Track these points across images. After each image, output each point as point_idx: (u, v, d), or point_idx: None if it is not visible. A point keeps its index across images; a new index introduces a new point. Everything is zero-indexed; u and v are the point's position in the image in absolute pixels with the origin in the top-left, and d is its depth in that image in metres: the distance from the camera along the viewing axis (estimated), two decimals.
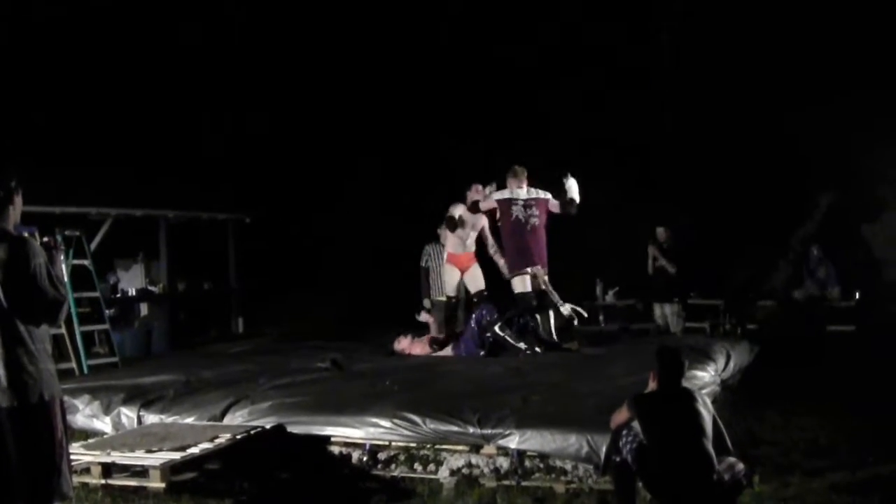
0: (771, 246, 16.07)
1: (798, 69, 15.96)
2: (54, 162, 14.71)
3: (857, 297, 14.55)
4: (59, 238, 4.99)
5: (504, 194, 10.72)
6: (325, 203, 17.75)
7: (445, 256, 11.36)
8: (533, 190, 10.77)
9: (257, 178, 17.71)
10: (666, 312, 13.73)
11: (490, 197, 10.83)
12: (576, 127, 16.72)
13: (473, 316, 10.57)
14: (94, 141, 16.25)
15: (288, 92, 18.27)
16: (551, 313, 10.60)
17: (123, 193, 14.82)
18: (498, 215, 10.83)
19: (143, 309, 15.59)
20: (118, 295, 15.13)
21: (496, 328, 10.23)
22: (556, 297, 10.56)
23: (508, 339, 10.22)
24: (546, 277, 10.66)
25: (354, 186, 17.92)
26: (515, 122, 17.31)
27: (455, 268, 11.29)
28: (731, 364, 9.49)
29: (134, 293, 15.40)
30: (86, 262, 11.47)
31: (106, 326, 12.09)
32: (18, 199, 4.75)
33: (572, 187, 10.82)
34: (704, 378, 8.19)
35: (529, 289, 10.59)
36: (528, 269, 10.56)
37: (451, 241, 11.27)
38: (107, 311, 12.48)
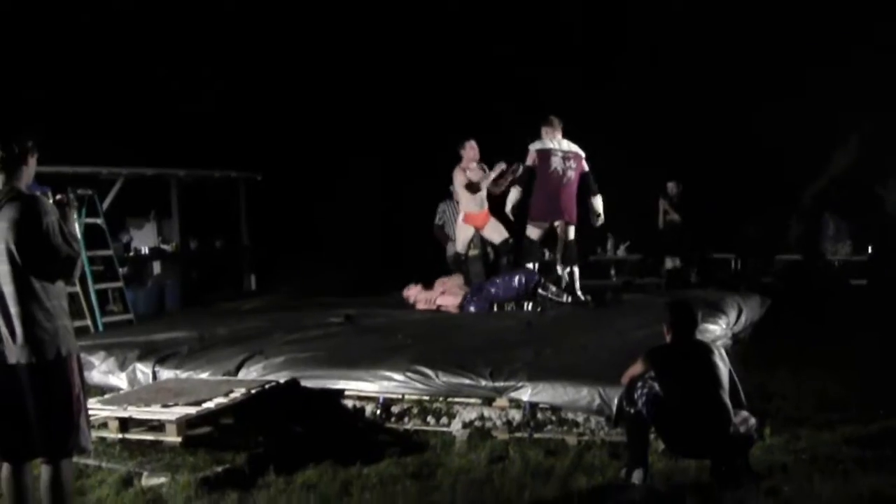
0: (784, 201, 16.00)
1: (819, 24, 15.84)
2: (66, 124, 14.70)
3: (870, 251, 14.52)
4: (71, 196, 5.01)
5: (545, 144, 10.63)
6: (338, 162, 17.72)
7: (461, 216, 11.31)
8: (567, 142, 10.70)
9: (270, 137, 17.69)
10: (677, 266, 13.74)
11: (530, 150, 10.67)
12: (579, 100, 16.68)
13: (505, 281, 10.52)
14: (106, 102, 16.20)
15: (303, 50, 18.18)
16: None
17: (135, 153, 14.84)
18: (532, 163, 10.67)
19: (156, 267, 15.63)
20: (131, 253, 15.17)
21: (540, 290, 10.27)
22: (552, 290, 10.50)
23: (552, 296, 10.27)
24: (572, 230, 10.64)
25: (368, 147, 17.85)
26: (512, 91, 17.28)
27: (470, 227, 11.28)
28: (743, 318, 9.52)
29: (146, 252, 15.44)
30: (98, 221, 11.54)
31: (120, 284, 12.17)
32: (32, 161, 4.77)
33: (598, 203, 10.88)
34: (716, 332, 8.22)
35: (538, 239, 10.64)
36: (548, 222, 10.60)
37: (465, 200, 11.22)
38: (120, 270, 12.54)
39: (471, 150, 11.11)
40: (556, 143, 10.62)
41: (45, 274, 4.63)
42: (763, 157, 15.77)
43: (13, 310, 4.57)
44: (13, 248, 4.53)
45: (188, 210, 16.16)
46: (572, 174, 10.59)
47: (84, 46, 16.09)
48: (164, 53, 17.03)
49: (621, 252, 15.49)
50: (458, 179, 11.13)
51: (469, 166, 11.14)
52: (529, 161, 10.69)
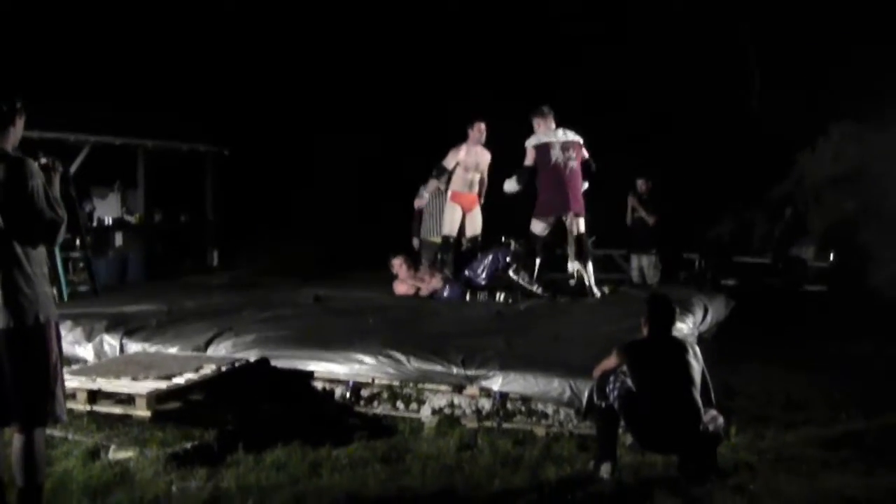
0: (749, 203, 16.17)
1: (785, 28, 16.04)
2: (35, 89, 14.51)
3: (832, 258, 14.70)
4: (57, 160, 4.95)
5: (540, 139, 10.44)
6: (309, 139, 17.68)
7: (449, 195, 11.22)
8: (563, 131, 10.53)
9: (239, 112, 17.60)
10: (643, 264, 13.80)
11: (528, 148, 10.53)
12: (551, 80, 16.71)
13: (479, 261, 10.55)
14: (76, 70, 16.03)
15: (277, 25, 18.10)
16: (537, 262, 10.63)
17: (102, 122, 14.66)
18: (532, 161, 10.52)
19: (119, 238, 15.45)
20: (94, 223, 14.99)
21: (510, 272, 10.26)
22: (526, 278, 10.49)
23: (523, 282, 10.26)
24: (582, 222, 10.50)
25: (340, 124, 17.82)
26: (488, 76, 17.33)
27: (458, 207, 11.21)
28: (709, 317, 9.61)
29: (110, 222, 15.27)
30: (69, 189, 11.37)
31: (87, 253, 12.02)
32: (20, 122, 4.71)
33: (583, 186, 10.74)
34: (683, 330, 8.26)
35: (542, 235, 10.58)
36: (554, 216, 10.48)
37: (457, 179, 11.13)
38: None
39: (478, 131, 11.00)
40: (553, 134, 10.45)
41: (27, 238, 4.58)
42: (732, 157, 15.95)
43: None
44: None
45: (154, 182, 16.00)
46: (574, 164, 10.39)
47: (60, 11, 15.94)
48: (141, 23, 16.89)
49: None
50: (449, 157, 11.08)
51: (471, 149, 11.06)
52: (529, 160, 10.53)
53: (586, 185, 10.63)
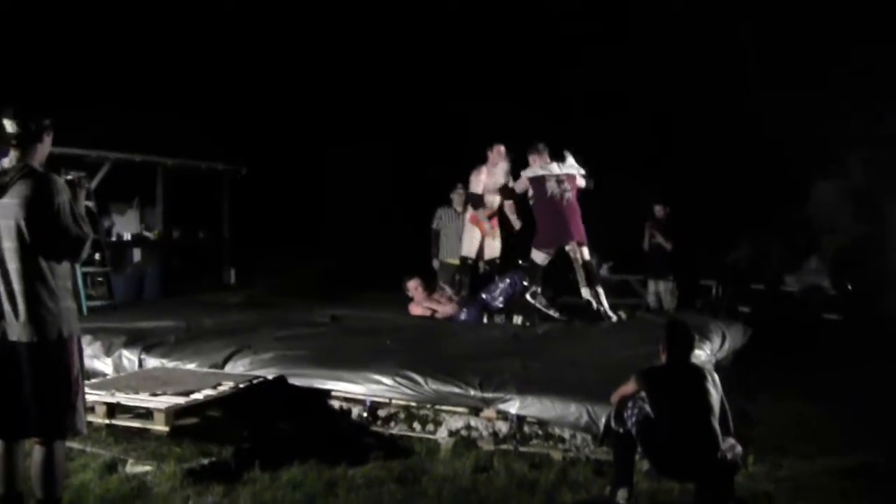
0: (766, 230, 16.12)
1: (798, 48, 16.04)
2: (56, 104, 14.60)
3: (849, 287, 14.65)
4: (83, 177, 5.00)
5: (536, 171, 10.56)
6: (326, 158, 17.76)
7: (468, 217, 11.30)
8: (557, 165, 10.63)
9: (255, 130, 17.70)
10: (660, 290, 13.78)
11: (521, 177, 10.70)
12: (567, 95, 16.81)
13: (496, 285, 10.49)
14: (95, 85, 16.15)
15: (294, 43, 18.21)
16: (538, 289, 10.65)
17: (120, 138, 14.75)
18: (530, 193, 10.66)
19: (136, 254, 15.55)
20: (113, 239, 15.08)
21: (528, 296, 10.27)
22: (543, 301, 10.49)
23: (540, 306, 10.26)
24: (586, 250, 10.52)
25: (357, 146, 17.89)
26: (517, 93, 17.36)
27: (477, 229, 11.27)
28: (727, 344, 9.56)
29: (128, 238, 15.36)
30: (90, 204, 11.46)
31: (107, 269, 12.10)
32: (48, 139, 4.77)
33: (574, 163, 10.80)
34: (700, 357, 8.23)
35: (543, 265, 10.56)
36: (555, 247, 10.50)
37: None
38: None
39: (497, 154, 11.10)
40: (547, 168, 10.57)
41: (52, 253, 4.62)
42: (748, 180, 15.92)
43: (17, 287, 4.56)
44: (23, 225, 4.52)
45: (172, 199, 16.08)
46: (570, 195, 10.47)
47: (82, 30, 16.06)
48: (162, 43, 17.01)
49: (604, 271, 15.53)
50: (473, 181, 11.14)
51: (491, 171, 11.13)
52: (520, 188, 10.79)
53: (582, 183, 10.72)
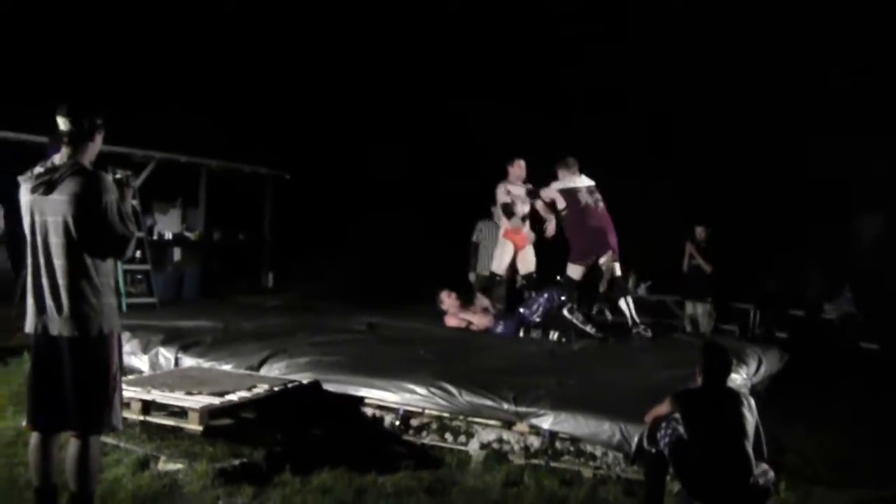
0: (805, 255, 15.99)
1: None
2: (104, 101, 14.76)
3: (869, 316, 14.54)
4: (131, 176, 5.05)
5: (566, 184, 10.56)
6: (370, 167, 17.84)
7: (502, 231, 11.33)
8: (586, 178, 10.66)
9: (300, 136, 17.81)
10: (697, 312, 13.70)
11: (550, 187, 10.67)
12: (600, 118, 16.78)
13: (534, 299, 10.46)
14: (144, 86, 16.33)
15: (336, 51, 18.33)
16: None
17: (166, 138, 14.91)
18: (562, 206, 10.60)
19: (177, 254, 15.71)
20: (154, 238, 15.25)
21: (565, 311, 10.25)
22: (580, 318, 10.46)
23: (577, 322, 10.23)
24: (618, 263, 10.55)
25: (398, 155, 17.96)
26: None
27: (510, 243, 11.27)
28: (762, 369, 9.49)
29: (170, 237, 15.52)
30: (133, 203, 11.59)
31: (147, 267, 12.22)
32: (99, 138, 4.83)
33: None
34: (736, 381, 8.17)
35: (580, 280, 10.55)
36: (593, 259, 10.48)
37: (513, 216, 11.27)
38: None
39: (518, 168, 11.16)
40: (578, 180, 10.58)
41: (98, 250, 4.67)
42: (791, 207, 15.80)
43: (62, 282, 4.61)
44: (70, 221, 4.57)
45: (214, 201, 16.23)
46: (602, 205, 10.51)
47: (127, 30, 16.25)
48: (212, 48, 17.18)
49: (642, 291, 15.49)
50: (499, 195, 11.17)
51: (514, 184, 11.17)
52: (547, 196, 10.77)
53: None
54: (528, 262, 11.37)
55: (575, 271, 10.56)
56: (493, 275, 11.38)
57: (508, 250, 11.27)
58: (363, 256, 16.75)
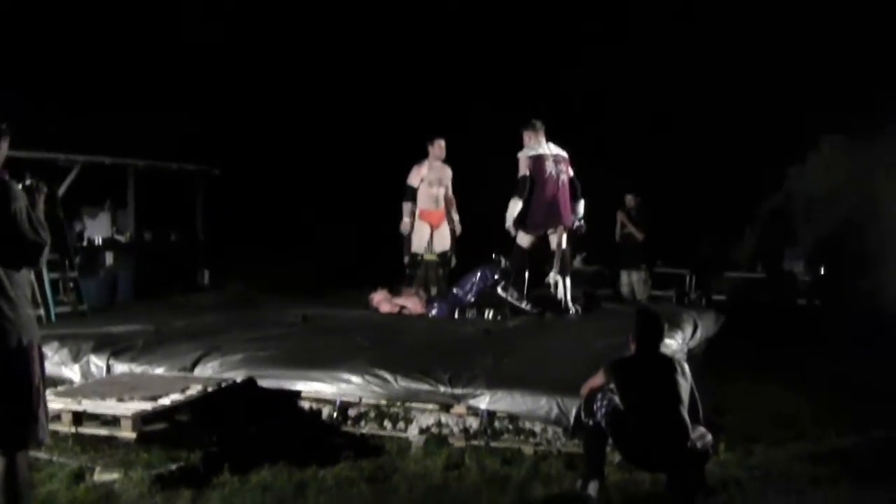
0: (737, 216, 16.17)
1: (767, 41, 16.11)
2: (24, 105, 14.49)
3: (822, 271, 14.73)
4: (41, 182, 4.92)
5: (536, 150, 10.38)
6: (293, 159, 17.71)
7: (417, 213, 11.31)
8: (553, 146, 10.54)
9: (227, 130, 17.61)
10: (632, 280, 13.81)
11: (522, 158, 10.42)
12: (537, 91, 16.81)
13: (467, 279, 10.46)
14: (62, 85, 16.02)
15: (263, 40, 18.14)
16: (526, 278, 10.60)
17: (90, 140, 14.63)
18: (527, 171, 10.37)
19: (109, 258, 15.43)
20: (84, 243, 14.97)
21: (499, 289, 10.22)
22: (514, 295, 10.42)
23: (511, 299, 10.22)
24: (565, 237, 10.52)
25: (323, 143, 17.84)
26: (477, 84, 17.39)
27: (427, 224, 11.25)
28: (698, 333, 9.60)
29: (100, 242, 15.24)
30: (55, 210, 11.35)
31: (75, 274, 11.99)
32: (4, 144, 4.68)
33: (581, 209, 10.77)
34: (672, 346, 8.27)
35: (529, 249, 10.53)
36: (545, 230, 10.47)
37: (422, 197, 11.25)
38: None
39: (438, 148, 11.18)
40: (545, 147, 10.44)
41: (9, 261, 4.53)
42: (719, 170, 15.94)
43: None
44: None
45: (144, 201, 15.97)
46: (565, 178, 10.45)
47: (48, 29, 15.93)
48: (130, 41, 16.90)
49: (577, 263, 15.52)
50: (413, 174, 11.19)
51: (432, 164, 11.16)
52: (524, 170, 10.39)
53: (581, 202, 10.60)
54: (444, 241, 11.40)
55: (524, 240, 10.51)
56: (414, 255, 11.38)
57: (425, 230, 11.28)
58: (300, 248, 16.63)
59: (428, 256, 11.88)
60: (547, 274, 10.71)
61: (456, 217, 11.47)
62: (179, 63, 17.48)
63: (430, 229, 11.32)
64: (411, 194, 11.15)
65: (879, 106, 13.82)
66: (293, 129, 17.97)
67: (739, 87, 16.06)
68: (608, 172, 14.92)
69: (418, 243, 11.36)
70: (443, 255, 11.41)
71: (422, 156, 11.38)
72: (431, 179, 11.14)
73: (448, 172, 11.36)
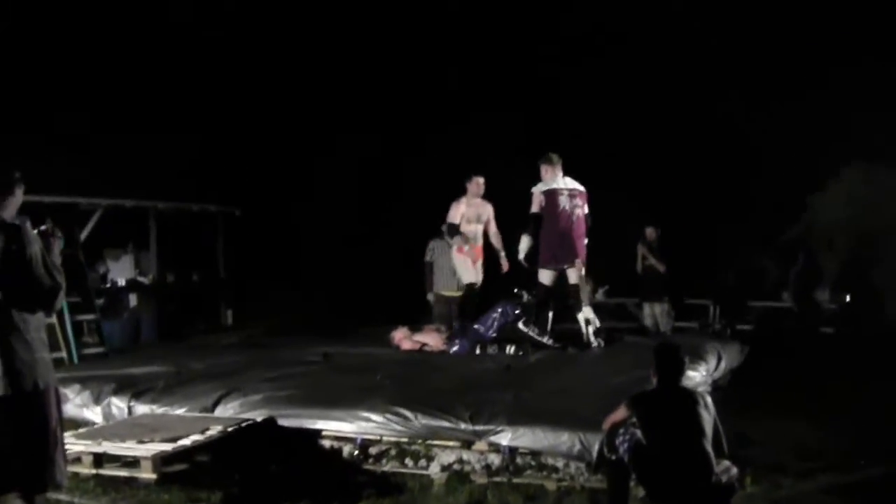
0: (761, 246, 16.09)
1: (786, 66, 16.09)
2: (43, 151, 14.61)
3: (847, 300, 14.61)
4: (56, 227, 4.96)
5: (549, 185, 10.34)
6: (308, 195, 17.79)
7: (455, 249, 11.25)
8: (570, 180, 10.49)
9: (248, 171, 17.69)
10: (655, 312, 13.74)
11: (535, 193, 10.41)
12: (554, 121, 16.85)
13: (488, 315, 10.38)
14: (82, 129, 16.14)
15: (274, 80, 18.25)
16: (550, 314, 10.55)
17: (113, 184, 14.74)
18: (539, 207, 10.37)
19: (132, 300, 15.53)
20: (107, 285, 15.07)
21: (520, 324, 10.17)
22: (536, 330, 10.33)
23: (533, 334, 10.16)
24: (583, 272, 10.44)
25: (343, 181, 17.91)
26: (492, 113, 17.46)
27: (467, 258, 11.22)
28: (723, 364, 9.50)
29: (123, 283, 15.35)
30: (75, 253, 11.41)
31: (96, 316, 12.05)
32: (19, 192, 4.75)
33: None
34: (696, 378, 8.20)
35: (551, 285, 10.47)
36: (562, 266, 10.38)
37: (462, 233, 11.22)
38: (96, 302, 12.44)
39: (476, 185, 11.11)
40: (561, 181, 10.39)
41: (26, 305, 4.57)
42: (742, 199, 15.89)
43: None
44: None
45: (166, 243, 16.05)
46: (580, 212, 10.36)
47: (62, 72, 16.07)
48: (141, 85, 17.04)
49: (600, 296, 15.47)
50: (452, 212, 11.12)
51: (471, 201, 11.15)
52: (536, 206, 10.38)
53: (586, 240, 10.56)
54: (478, 274, 11.33)
55: (544, 276, 10.46)
56: (472, 286, 11.27)
57: (469, 263, 11.23)
58: (323, 286, 16.66)
59: (448, 292, 11.88)
60: (571, 308, 10.63)
61: (502, 253, 11.36)
62: (196, 101, 17.58)
63: (472, 262, 11.27)
64: (455, 230, 11.10)
65: None
66: (308, 164, 18.02)
67: (758, 115, 16.00)
68: (629, 203, 14.93)
69: (470, 275, 11.27)
70: (470, 287, 11.31)
71: (457, 194, 11.33)
72: (470, 216, 11.11)
73: (488, 209, 11.30)
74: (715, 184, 16.04)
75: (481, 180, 11.13)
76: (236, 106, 17.90)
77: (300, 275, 17.14)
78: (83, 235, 13.19)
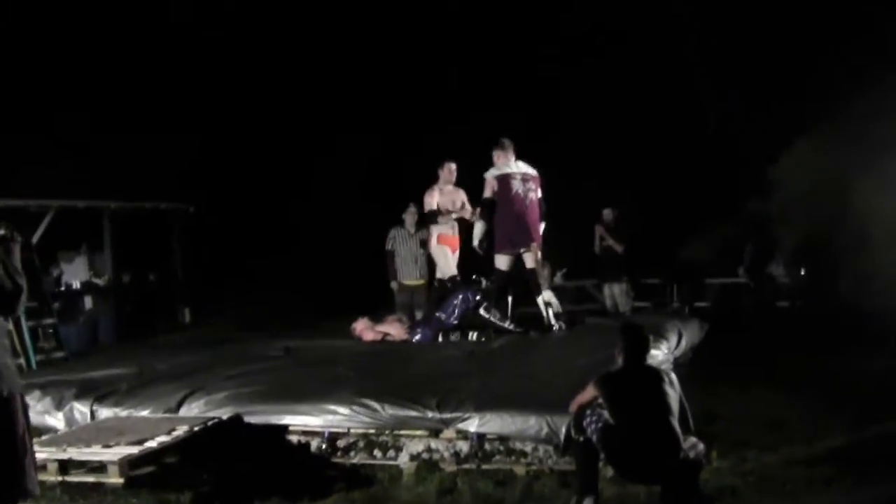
0: (717, 222, 16.17)
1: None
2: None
3: (802, 273, 14.76)
4: (15, 231, 4.87)
5: (502, 170, 10.38)
6: (266, 190, 17.68)
7: (436, 238, 11.26)
8: (523, 164, 10.51)
9: (202, 167, 17.53)
10: (614, 292, 13.81)
11: (488, 179, 10.46)
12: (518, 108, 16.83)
13: (448, 302, 10.40)
14: (33, 128, 15.91)
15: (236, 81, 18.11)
16: (510, 298, 10.58)
17: (64, 184, 14.54)
18: (491, 192, 10.42)
19: (88, 302, 15.33)
20: (62, 288, 14.87)
21: (481, 310, 10.18)
22: (497, 315, 10.39)
23: (494, 320, 10.18)
24: (539, 254, 10.46)
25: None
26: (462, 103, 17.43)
27: (447, 248, 11.22)
28: (683, 342, 9.57)
29: (78, 286, 15.13)
30: (30, 257, 11.25)
31: (53, 320, 11.90)
32: None
33: (540, 230, 10.70)
34: (658, 357, 8.24)
35: (509, 270, 10.47)
36: (518, 249, 10.39)
37: (441, 222, 11.22)
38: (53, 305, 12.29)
39: (448, 172, 11.11)
40: (513, 166, 10.43)
41: None
42: (695, 177, 15.97)
43: None
44: None
45: (120, 243, 15.87)
46: (533, 196, 10.41)
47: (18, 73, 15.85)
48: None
49: (558, 279, 15.54)
50: (427, 200, 11.09)
51: (443, 188, 11.11)
52: (489, 191, 10.44)
53: (543, 224, 10.60)
54: (452, 266, 11.33)
55: (501, 261, 10.48)
56: (453, 278, 11.23)
57: (448, 253, 11.24)
58: (282, 280, 16.54)
59: (410, 281, 11.87)
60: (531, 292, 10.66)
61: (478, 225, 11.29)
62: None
63: (451, 252, 11.26)
64: (434, 217, 11.07)
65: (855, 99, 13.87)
66: (267, 162, 17.91)
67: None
68: (585, 185, 14.98)
69: (450, 266, 11.25)
70: (452, 279, 11.29)
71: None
72: (444, 204, 11.09)
73: (461, 195, 11.28)
74: (669, 159, 16.10)
75: (453, 166, 11.13)
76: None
77: (256, 270, 17.00)
78: (35, 238, 12.98)
